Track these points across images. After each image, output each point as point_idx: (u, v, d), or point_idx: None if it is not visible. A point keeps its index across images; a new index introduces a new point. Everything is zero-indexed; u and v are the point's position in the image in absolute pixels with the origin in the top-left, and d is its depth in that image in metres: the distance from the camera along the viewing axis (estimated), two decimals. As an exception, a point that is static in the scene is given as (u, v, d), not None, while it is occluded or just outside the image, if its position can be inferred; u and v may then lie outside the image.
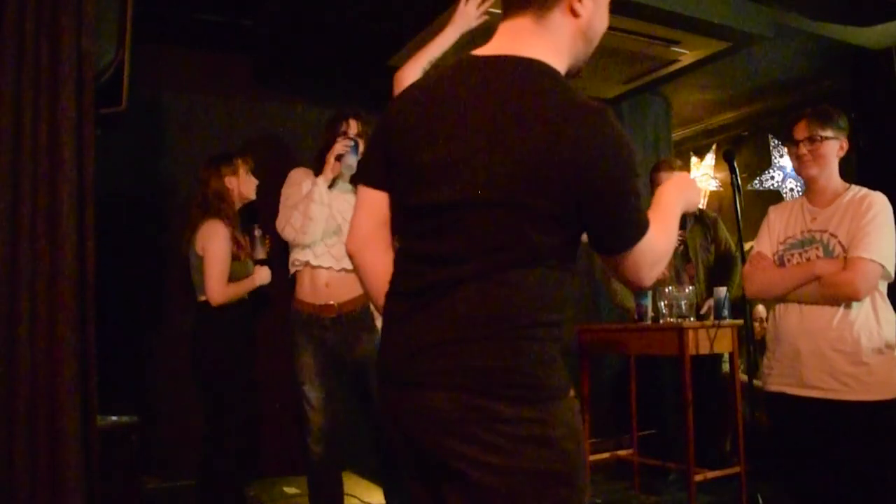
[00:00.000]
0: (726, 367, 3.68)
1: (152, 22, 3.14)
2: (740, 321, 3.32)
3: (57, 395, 2.10)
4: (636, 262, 1.23)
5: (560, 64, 1.26)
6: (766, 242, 2.42)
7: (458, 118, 1.20)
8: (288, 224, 2.91)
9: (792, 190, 5.58)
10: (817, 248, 2.26)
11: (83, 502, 2.10)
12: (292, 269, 3.02)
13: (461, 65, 1.27)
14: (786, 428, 2.33)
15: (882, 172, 4.39)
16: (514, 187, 1.14)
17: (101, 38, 2.39)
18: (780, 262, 2.35)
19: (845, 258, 2.18)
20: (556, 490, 1.18)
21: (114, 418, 2.74)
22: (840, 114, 2.36)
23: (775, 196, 5.64)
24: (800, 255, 2.31)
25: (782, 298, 2.30)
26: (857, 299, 2.16)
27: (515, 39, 1.25)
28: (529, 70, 1.21)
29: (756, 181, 5.70)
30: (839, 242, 2.22)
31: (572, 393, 1.26)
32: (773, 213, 2.49)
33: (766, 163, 5.70)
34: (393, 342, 1.26)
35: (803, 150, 2.32)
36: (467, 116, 1.19)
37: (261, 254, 3.16)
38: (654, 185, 3.79)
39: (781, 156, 5.62)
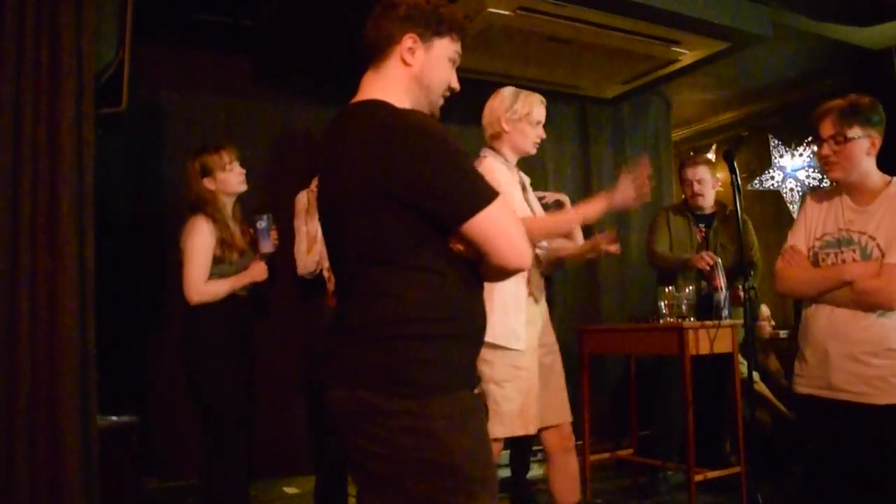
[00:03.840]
0: (743, 369, 3.64)
1: (152, 22, 3.13)
2: (740, 321, 3.32)
3: (57, 395, 2.11)
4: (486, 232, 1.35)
5: (397, 102, 1.40)
6: (802, 236, 2.27)
7: (326, 163, 1.46)
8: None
9: (792, 190, 5.58)
10: (854, 251, 2.15)
11: (83, 502, 2.11)
12: (325, 264, 3.04)
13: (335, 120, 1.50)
14: (814, 431, 2.26)
15: (882, 172, 4.37)
16: (355, 198, 1.34)
17: (101, 38, 2.39)
18: (814, 261, 2.23)
19: (882, 262, 2.08)
20: (439, 478, 1.28)
21: (114, 418, 2.73)
22: (873, 105, 2.16)
23: (775, 196, 5.64)
24: (835, 255, 2.18)
25: (814, 300, 2.21)
26: (892, 309, 2.08)
27: (361, 90, 1.48)
28: (361, 106, 1.43)
29: (756, 181, 5.69)
30: (878, 245, 2.12)
31: (477, 391, 1.38)
32: (811, 200, 2.31)
33: (766, 163, 5.69)
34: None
35: (827, 150, 2.17)
36: (329, 157, 1.44)
37: (267, 247, 2.92)
38: (683, 181, 3.82)
39: (781, 156, 5.62)
